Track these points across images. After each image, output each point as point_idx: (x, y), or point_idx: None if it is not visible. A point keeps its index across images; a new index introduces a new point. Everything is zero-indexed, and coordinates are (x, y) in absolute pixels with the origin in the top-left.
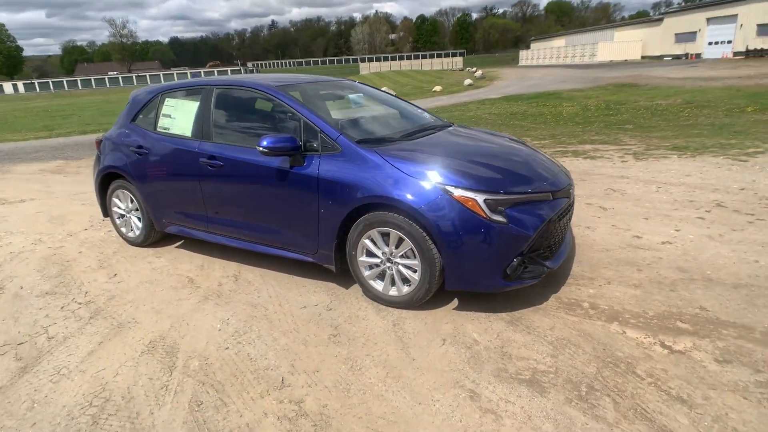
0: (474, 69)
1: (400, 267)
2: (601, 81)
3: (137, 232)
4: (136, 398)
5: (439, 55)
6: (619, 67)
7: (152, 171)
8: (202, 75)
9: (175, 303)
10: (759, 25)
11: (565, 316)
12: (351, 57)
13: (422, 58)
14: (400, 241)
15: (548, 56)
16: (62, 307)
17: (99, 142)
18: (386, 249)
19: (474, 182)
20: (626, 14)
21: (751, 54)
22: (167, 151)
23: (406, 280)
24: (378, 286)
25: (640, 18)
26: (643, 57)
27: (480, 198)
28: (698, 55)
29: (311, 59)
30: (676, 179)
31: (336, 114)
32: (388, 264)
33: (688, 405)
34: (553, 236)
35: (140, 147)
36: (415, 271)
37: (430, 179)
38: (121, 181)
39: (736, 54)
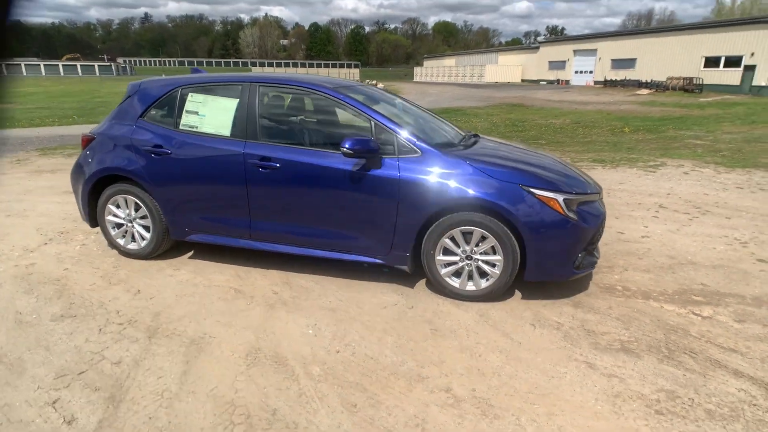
0: (374, 82)
1: (480, 263)
2: (493, 100)
3: (143, 243)
4: (279, 409)
5: (335, 65)
6: (504, 89)
7: (175, 173)
8: (61, 68)
9: (240, 314)
10: (613, 60)
11: (612, 298)
12: (241, 60)
13: (318, 66)
14: (482, 238)
15: (440, 74)
16: (101, 329)
17: (88, 140)
18: (467, 247)
19: (552, 184)
20: (503, 40)
21: (608, 83)
22: (199, 151)
23: (483, 275)
24: (455, 282)
25: (517, 45)
26: (522, 80)
27: (560, 198)
28: (567, 82)
29: (194, 59)
30: (615, 186)
31: None
32: (468, 261)
33: (739, 353)
34: (599, 231)
35: (158, 146)
36: (494, 266)
37: (514, 181)
38: (124, 185)
39: (596, 83)
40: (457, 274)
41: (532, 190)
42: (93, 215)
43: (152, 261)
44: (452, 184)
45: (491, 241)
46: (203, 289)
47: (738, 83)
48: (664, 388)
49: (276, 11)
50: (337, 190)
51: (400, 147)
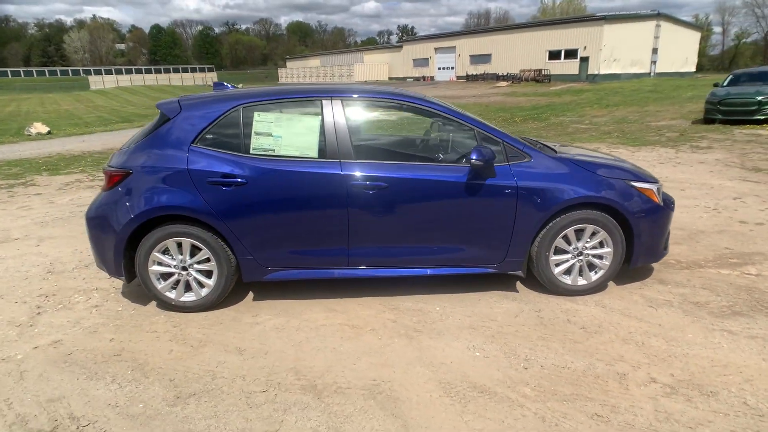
0: (240, 85)
1: (590, 257)
2: None
3: (204, 292)
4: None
5: (185, 70)
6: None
7: (255, 205)
8: None
9: (385, 350)
10: (471, 56)
11: (679, 271)
12: (70, 68)
13: (166, 72)
14: (593, 234)
15: (307, 75)
16: (248, 402)
17: (121, 175)
18: (578, 244)
19: (643, 177)
20: (359, 39)
21: (469, 78)
22: (285, 177)
23: (591, 268)
24: (566, 279)
25: (373, 45)
26: (389, 78)
27: (654, 188)
28: (432, 78)
29: (7, 68)
30: None
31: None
32: (579, 257)
33: None
34: None
35: (229, 176)
36: (602, 258)
37: (619, 177)
38: (177, 225)
39: (458, 78)
40: (568, 271)
41: (633, 183)
42: (128, 267)
43: (214, 312)
44: (566, 185)
45: (602, 235)
46: (313, 332)
47: (577, 72)
48: None
49: (104, 12)
50: (450, 203)
51: (509, 153)
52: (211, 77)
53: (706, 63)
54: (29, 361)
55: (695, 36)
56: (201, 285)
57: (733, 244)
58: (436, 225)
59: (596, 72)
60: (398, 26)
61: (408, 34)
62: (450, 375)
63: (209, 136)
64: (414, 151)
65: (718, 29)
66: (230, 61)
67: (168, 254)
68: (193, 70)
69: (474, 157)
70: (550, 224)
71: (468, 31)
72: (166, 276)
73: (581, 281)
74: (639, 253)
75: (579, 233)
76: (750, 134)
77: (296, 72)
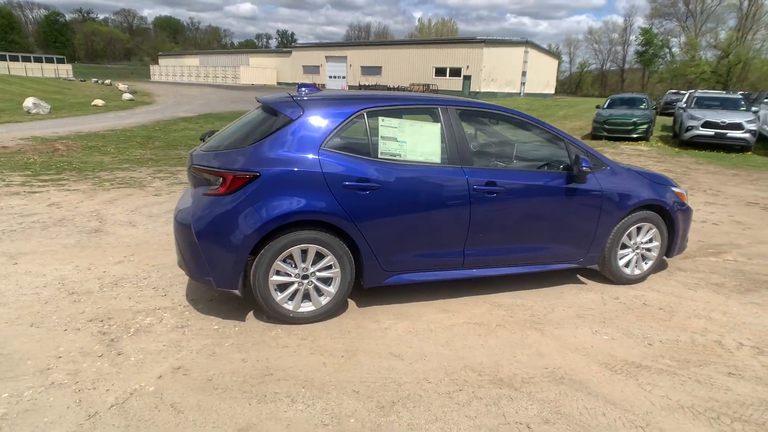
0: (109, 81)
1: (644, 250)
2: None
3: (324, 301)
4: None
5: (28, 59)
6: (270, 91)
7: (388, 209)
8: None
9: (524, 345)
10: (362, 67)
11: (683, 260)
12: None
13: (3, 60)
14: (648, 230)
15: (185, 74)
16: (472, 412)
17: (245, 179)
18: (637, 239)
19: (677, 184)
20: (236, 41)
21: (362, 88)
22: (416, 181)
23: (644, 258)
24: (627, 271)
25: (252, 47)
26: (278, 83)
27: (685, 192)
28: (323, 86)
29: None
30: None
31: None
32: (637, 250)
33: None
34: None
35: (364, 180)
36: (650, 251)
37: (665, 183)
38: (306, 232)
39: (350, 87)
40: (626, 264)
41: (672, 188)
42: (243, 278)
43: (328, 322)
44: (634, 190)
45: (654, 232)
46: (448, 332)
47: (461, 89)
48: None
49: None
50: (550, 205)
51: (593, 163)
52: (66, 69)
53: (558, 86)
54: (169, 393)
55: (554, 63)
56: (320, 294)
57: (702, 238)
58: (536, 226)
59: (477, 90)
60: (278, 31)
61: (288, 40)
62: (601, 357)
63: (337, 140)
64: (515, 158)
65: (566, 58)
66: (85, 52)
67: (289, 263)
68: (39, 60)
69: (584, 165)
70: (621, 223)
71: (359, 43)
72: (283, 286)
73: (636, 271)
74: (675, 246)
75: (638, 231)
76: (634, 149)
77: (171, 70)
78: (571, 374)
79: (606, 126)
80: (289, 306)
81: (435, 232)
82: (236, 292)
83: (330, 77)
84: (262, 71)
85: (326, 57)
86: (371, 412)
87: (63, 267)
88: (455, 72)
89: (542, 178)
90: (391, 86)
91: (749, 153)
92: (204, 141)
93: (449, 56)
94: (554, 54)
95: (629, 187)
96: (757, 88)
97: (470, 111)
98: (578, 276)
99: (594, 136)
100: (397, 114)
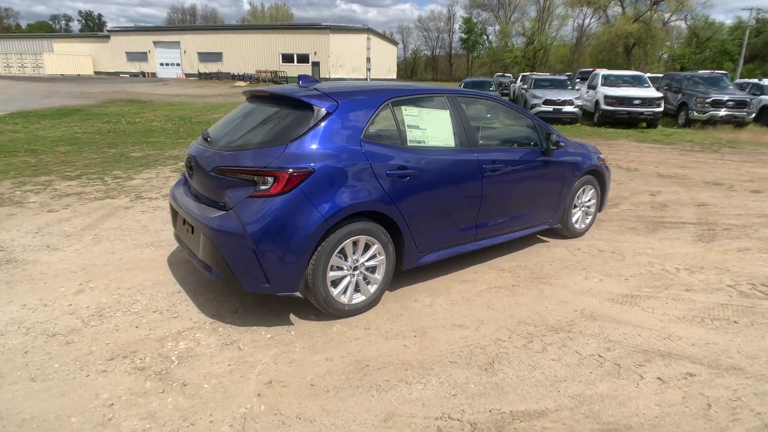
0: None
1: (587, 208)
2: (96, 96)
3: (372, 289)
4: None
5: None
6: (88, 83)
7: (423, 194)
8: None
9: (552, 297)
10: (199, 53)
11: (607, 211)
12: None
13: None
14: (589, 191)
15: None
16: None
17: (302, 175)
18: (583, 199)
19: (598, 151)
20: (23, 22)
21: (203, 76)
22: (441, 165)
23: (586, 215)
24: (578, 226)
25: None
26: (96, 72)
27: (605, 156)
28: (154, 74)
29: None
30: None
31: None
32: (583, 208)
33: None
34: None
35: (402, 168)
36: (590, 207)
37: (595, 152)
38: (358, 223)
39: (188, 75)
40: (576, 220)
41: (599, 155)
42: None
43: (375, 310)
44: (582, 159)
45: (593, 191)
46: (482, 298)
47: (310, 75)
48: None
49: None
50: (534, 177)
51: (557, 141)
52: None
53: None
54: (283, 406)
55: (393, 49)
56: (368, 283)
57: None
58: (524, 195)
59: (328, 76)
60: (80, 12)
61: (95, 23)
62: (604, 294)
63: (372, 130)
64: (506, 138)
65: (400, 45)
66: None
67: (339, 256)
68: None
69: (560, 140)
70: (574, 186)
71: (194, 27)
72: (335, 281)
73: (583, 226)
74: (604, 202)
75: (583, 192)
76: None
77: None
78: (595, 312)
79: None
80: (344, 299)
81: (456, 209)
82: (297, 294)
83: (161, 64)
84: (73, 59)
85: (155, 42)
86: (480, 375)
87: (3, 309)
88: (303, 58)
89: (525, 154)
90: (236, 73)
91: (578, 124)
92: (207, 140)
93: (296, 42)
94: (392, 41)
95: (579, 156)
96: (555, 69)
97: (467, 98)
98: (538, 236)
99: None
100: (415, 103)
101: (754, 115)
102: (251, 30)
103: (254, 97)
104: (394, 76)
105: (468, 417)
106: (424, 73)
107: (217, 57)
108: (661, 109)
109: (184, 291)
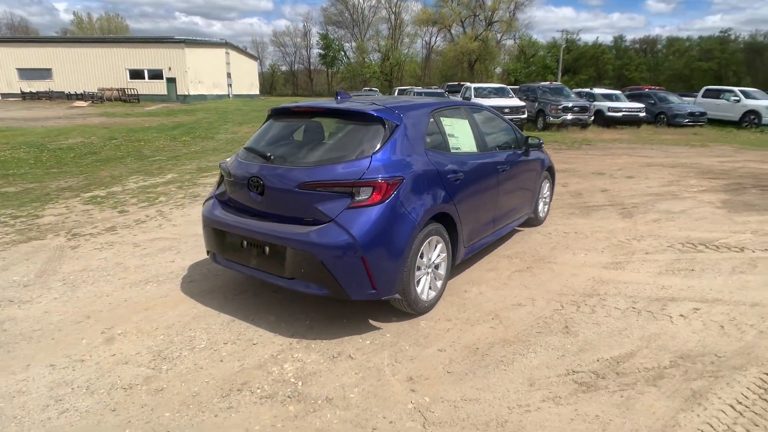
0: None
1: (545, 198)
2: None
3: (439, 284)
4: None
5: None
6: None
7: (469, 195)
8: None
9: (564, 274)
10: (20, 69)
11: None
12: None
13: None
14: (547, 184)
15: None
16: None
17: (396, 183)
18: (544, 191)
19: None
20: None
21: (27, 96)
22: (477, 168)
23: (545, 204)
24: (542, 215)
25: None
26: None
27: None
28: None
29: None
30: None
31: None
32: (544, 198)
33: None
34: None
35: (455, 172)
36: (546, 198)
37: (545, 153)
38: (433, 224)
39: (5, 96)
40: (540, 209)
41: (546, 152)
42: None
43: (441, 304)
44: (545, 158)
45: (548, 184)
46: (513, 280)
47: (166, 93)
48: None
49: None
50: (522, 174)
51: (529, 143)
52: None
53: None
54: (449, 395)
55: (254, 64)
56: (437, 278)
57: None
58: (517, 190)
59: (186, 92)
60: None
61: None
62: (601, 264)
63: (428, 140)
64: (497, 142)
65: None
66: None
67: (424, 255)
68: None
69: (540, 142)
70: (541, 181)
71: (10, 39)
72: (417, 281)
73: (543, 214)
74: (553, 193)
75: (543, 186)
76: None
77: None
78: (602, 278)
79: None
80: (423, 297)
81: (485, 206)
82: (397, 296)
83: None
84: None
85: None
86: (567, 338)
87: (27, 374)
88: (156, 74)
89: (515, 155)
90: (72, 92)
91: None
92: (269, 158)
93: (146, 57)
94: (252, 56)
95: (542, 155)
96: (409, 83)
97: (473, 109)
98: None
99: None
100: (448, 114)
101: (592, 117)
102: (88, 43)
103: (297, 113)
104: (258, 92)
105: (587, 368)
106: (284, 89)
107: (45, 74)
108: (526, 116)
109: (238, 319)
